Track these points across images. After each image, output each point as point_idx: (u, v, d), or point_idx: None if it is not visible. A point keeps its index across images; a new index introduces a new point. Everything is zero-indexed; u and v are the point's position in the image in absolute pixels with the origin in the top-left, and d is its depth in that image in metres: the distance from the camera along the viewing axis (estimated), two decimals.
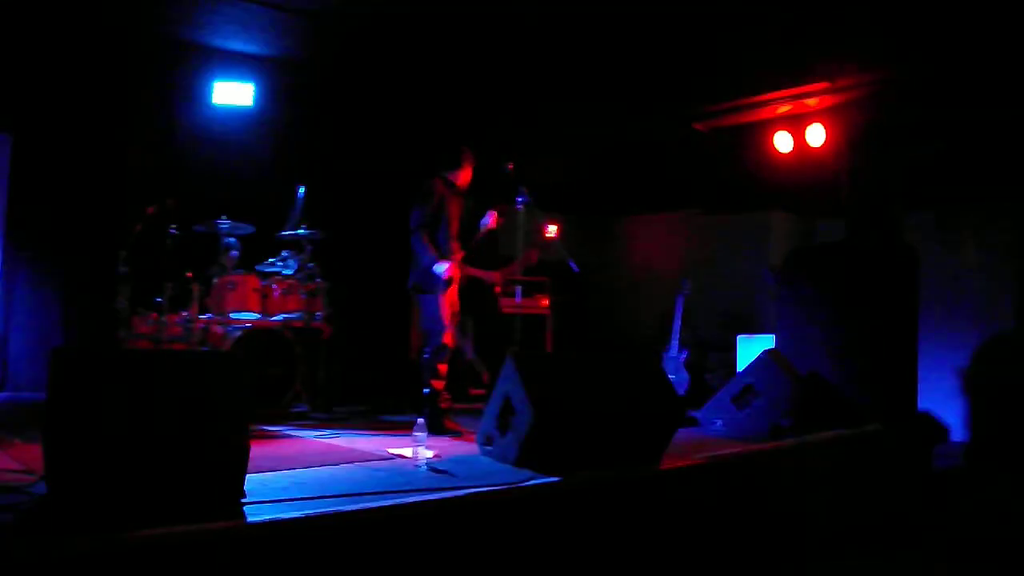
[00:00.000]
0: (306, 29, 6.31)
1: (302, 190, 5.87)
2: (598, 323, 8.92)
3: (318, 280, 5.86)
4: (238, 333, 5.49)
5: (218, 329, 5.64)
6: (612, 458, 3.37)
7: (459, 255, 4.99)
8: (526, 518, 2.89)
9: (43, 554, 1.95)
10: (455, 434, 4.63)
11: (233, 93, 6.72)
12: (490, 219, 5.09)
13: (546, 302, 7.52)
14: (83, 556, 1.98)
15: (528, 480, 3.01)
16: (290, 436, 4.62)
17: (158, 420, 2.44)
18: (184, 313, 5.59)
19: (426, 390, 4.78)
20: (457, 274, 4.85)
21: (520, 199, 5.88)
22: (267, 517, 2.38)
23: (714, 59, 6.49)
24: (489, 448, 3.60)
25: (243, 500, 2.60)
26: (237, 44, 6.60)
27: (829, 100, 6.39)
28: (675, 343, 6.84)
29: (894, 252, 5.89)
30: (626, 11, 5.90)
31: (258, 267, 6.01)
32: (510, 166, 5.67)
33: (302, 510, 2.48)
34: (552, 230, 5.55)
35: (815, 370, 5.44)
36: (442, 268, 4.74)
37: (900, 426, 5.29)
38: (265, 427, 4.81)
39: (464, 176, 5.08)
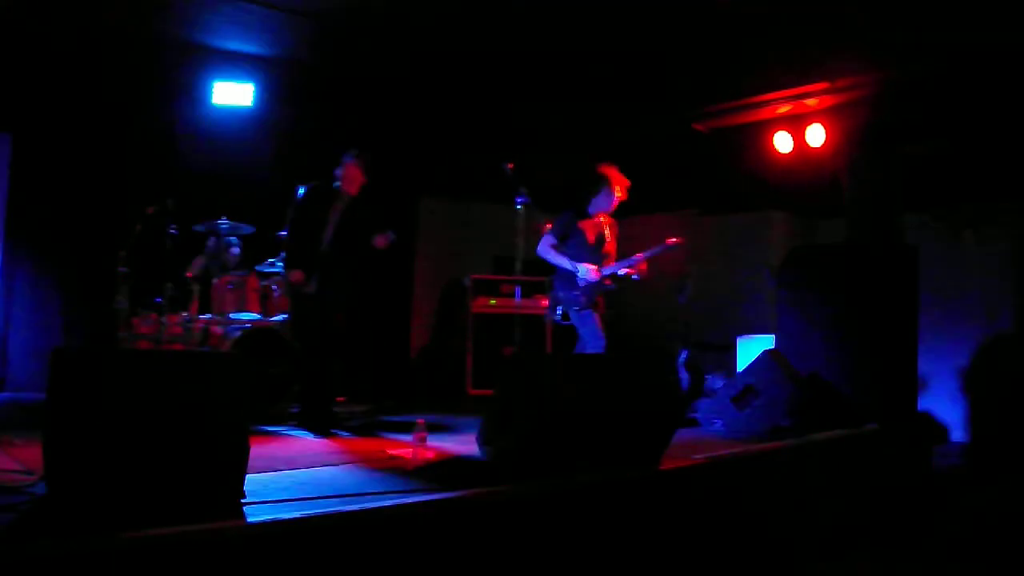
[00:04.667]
0: (306, 29, 6.30)
1: (302, 190, 5.87)
2: None
3: None
4: (238, 333, 5.49)
5: (218, 329, 5.64)
6: (612, 458, 3.37)
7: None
8: (526, 518, 2.89)
9: (44, 554, 1.95)
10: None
11: (233, 93, 6.72)
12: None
13: (546, 302, 7.51)
14: (83, 556, 1.98)
15: (528, 480, 3.01)
16: (290, 436, 4.62)
17: (158, 420, 2.44)
18: (184, 313, 5.59)
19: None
20: None
21: (520, 199, 5.89)
22: (267, 517, 2.38)
23: (714, 59, 6.49)
24: (489, 448, 3.60)
25: (243, 500, 2.60)
26: (237, 44, 6.59)
27: (829, 100, 6.38)
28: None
29: (894, 252, 5.88)
30: (627, 11, 5.89)
31: (258, 267, 6.01)
32: (510, 166, 5.68)
33: (302, 510, 2.48)
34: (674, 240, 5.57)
35: (815, 370, 5.44)
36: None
37: (900, 426, 5.29)
38: (265, 427, 4.81)
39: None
